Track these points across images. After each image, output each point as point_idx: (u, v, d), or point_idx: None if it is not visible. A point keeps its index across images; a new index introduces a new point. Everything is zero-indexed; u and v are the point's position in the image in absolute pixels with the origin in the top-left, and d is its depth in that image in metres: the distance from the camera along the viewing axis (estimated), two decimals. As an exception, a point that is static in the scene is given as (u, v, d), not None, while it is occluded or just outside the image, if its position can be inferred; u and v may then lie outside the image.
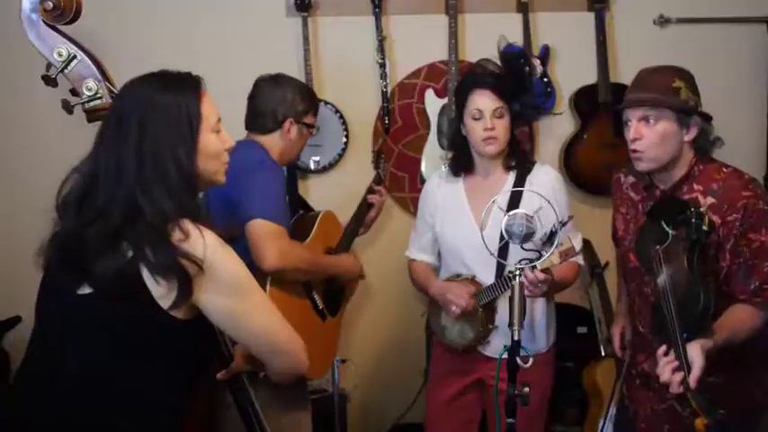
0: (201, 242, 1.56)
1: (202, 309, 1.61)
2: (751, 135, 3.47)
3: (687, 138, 2.17)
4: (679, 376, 1.85)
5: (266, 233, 2.28)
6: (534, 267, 2.26)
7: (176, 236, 1.55)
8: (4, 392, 1.73)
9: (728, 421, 2.09)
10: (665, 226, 2.06)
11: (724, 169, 2.19)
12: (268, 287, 2.32)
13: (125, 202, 1.56)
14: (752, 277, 2.09)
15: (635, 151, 2.19)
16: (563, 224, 2.26)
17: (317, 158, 3.37)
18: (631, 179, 2.37)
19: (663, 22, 3.43)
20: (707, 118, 2.20)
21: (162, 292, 1.55)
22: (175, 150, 1.60)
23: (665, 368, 1.89)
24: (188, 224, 1.57)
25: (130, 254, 1.54)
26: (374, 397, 3.48)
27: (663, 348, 1.92)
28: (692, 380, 1.83)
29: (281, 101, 2.54)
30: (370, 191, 2.97)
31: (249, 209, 2.30)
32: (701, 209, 2.04)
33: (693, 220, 1.98)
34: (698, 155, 2.21)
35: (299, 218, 2.70)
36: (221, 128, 1.72)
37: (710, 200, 2.13)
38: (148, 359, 1.61)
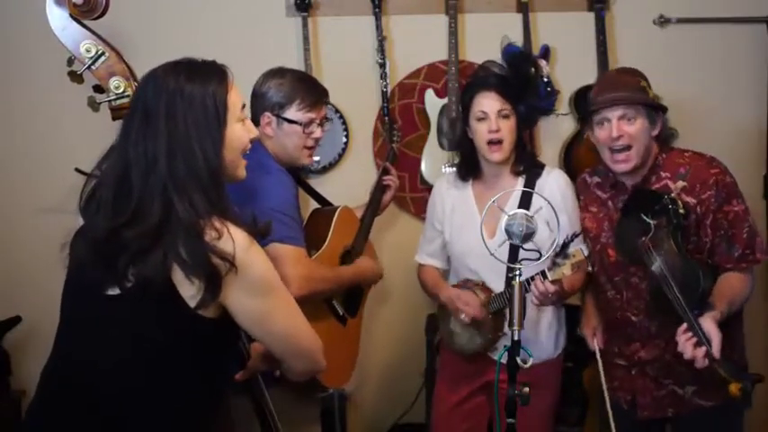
0: (231, 241, 1.54)
1: (229, 308, 1.59)
2: (751, 135, 3.47)
3: (654, 132, 2.33)
4: (702, 351, 1.99)
5: (287, 259, 2.21)
6: (546, 278, 2.28)
7: (209, 234, 1.53)
8: (41, 396, 1.70)
9: (725, 404, 2.22)
10: (645, 218, 2.20)
11: (686, 154, 2.35)
12: None
13: (160, 199, 1.54)
14: (734, 246, 2.25)
15: (618, 150, 2.29)
16: (576, 235, 2.28)
17: (317, 158, 3.36)
18: (596, 179, 2.50)
19: (663, 22, 3.42)
20: (665, 110, 2.36)
21: (192, 292, 1.54)
22: (204, 143, 1.57)
23: (686, 345, 2.02)
24: (217, 222, 1.55)
25: (162, 254, 1.51)
26: (374, 397, 3.48)
27: (684, 327, 2.04)
28: (716, 350, 1.98)
29: (262, 93, 2.43)
30: (385, 171, 2.93)
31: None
32: (673, 194, 2.21)
33: (670, 207, 2.15)
34: (660, 145, 2.36)
35: (314, 213, 2.63)
36: (245, 116, 1.70)
37: (681, 183, 2.28)
38: (177, 359, 1.59)
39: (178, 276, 1.53)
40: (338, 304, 2.55)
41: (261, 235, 1.66)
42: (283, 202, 2.29)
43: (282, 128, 2.42)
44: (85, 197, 1.63)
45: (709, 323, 2.01)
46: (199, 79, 1.62)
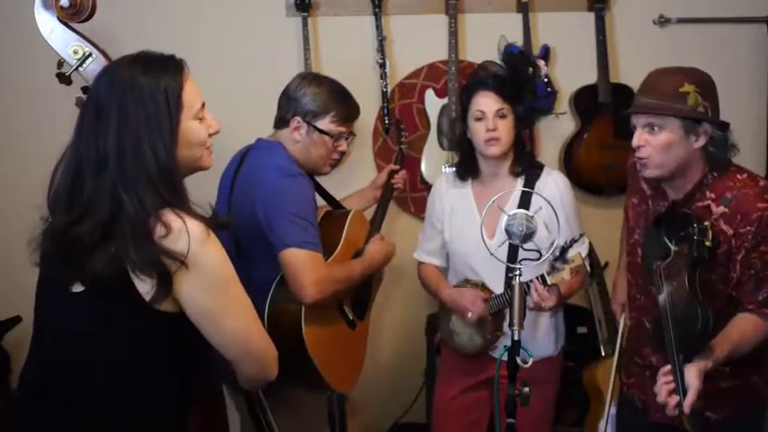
0: (185, 234, 1.52)
1: (182, 302, 1.57)
2: (751, 135, 3.47)
3: (696, 145, 2.08)
4: (674, 400, 1.87)
5: (306, 264, 2.24)
6: (545, 283, 2.28)
7: (158, 231, 1.51)
8: (21, 394, 1.74)
9: (737, 417, 2.16)
10: (667, 241, 2.04)
11: (739, 176, 2.12)
12: (303, 311, 2.31)
13: (109, 195, 1.52)
14: (762, 289, 2.06)
15: (640, 158, 2.13)
16: (574, 240, 2.27)
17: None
18: None
19: (663, 22, 3.42)
20: (722, 125, 2.09)
21: (147, 288, 1.53)
22: (154, 140, 1.55)
23: (662, 390, 1.91)
24: (170, 215, 1.53)
25: (112, 250, 1.51)
26: (374, 397, 3.48)
27: (667, 368, 1.92)
28: (687, 405, 1.85)
29: (296, 97, 2.44)
30: (392, 174, 2.92)
31: (282, 235, 2.25)
32: (706, 223, 2.01)
33: (696, 237, 1.96)
34: (711, 162, 2.11)
35: (326, 216, 2.64)
36: (205, 114, 1.66)
37: (723, 209, 2.08)
38: (143, 356, 1.60)
39: (131, 272, 1.52)
40: (348, 309, 2.56)
41: (219, 227, 1.64)
42: (303, 206, 2.32)
43: (312, 136, 2.44)
44: (52, 193, 1.63)
45: (692, 374, 1.87)
46: (152, 73, 1.58)
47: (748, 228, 2.03)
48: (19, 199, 3.25)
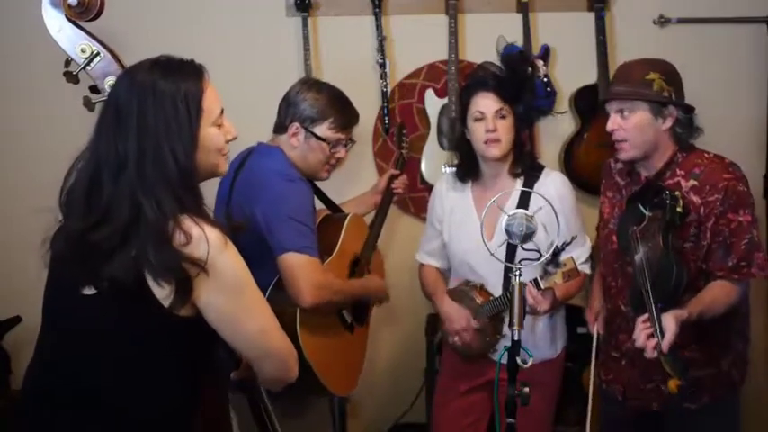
0: (205, 242, 1.53)
1: (201, 308, 1.58)
2: (751, 135, 3.47)
3: (664, 127, 2.29)
4: (653, 342, 2.01)
5: (303, 269, 2.25)
6: (539, 287, 2.28)
7: (178, 239, 1.51)
8: (24, 395, 1.73)
9: (713, 404, 2.30)
10: (641, 208, 2.23)
11: (705, 155, 2.33)
12: (297, 314, 2.31)
13: (129, 199, 1.52)
14: (730, 255, 2.22)
15: (616, 141, 2.32)
16: (567, 244, 2.27)
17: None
18: (620, 165, 2.50)
19: (663, 22, 3.42)
20: (686, 109, 2.31)
21: (165, 293, 1.53)
22: (174, 146, 1.55)
23: (641, 334, 2.05)
24: (188, 222, 1.53)
25: (132, 255, 1.51)
26: (374, 397, 3.48)
27: (645, 316, 2.06)
28: (665, 344, 2.00)
29: (296, 102, 2.45)
30: (392, 178, 2.93)
31: (281, 239, 2.26)
32: (677, 192, 2.20)
33: (668, 202, 2.16)
34: (679, 143, 2.32)
35: (324, 219, 2.64)
36: (224, 120, 1.67)
37: (692, 182, 2.27)
38: (154, 358, 1.59)
39: (150, 278, 1.52)
40: (347, 313, 2.56)
41: (235, 232, 1.64)
42: (302, 211, 2.32)
43: (309, 142, 2.45)
44: (65, 194, 1.62)
45: (669, 319, 2.02)
46: (172, 78, 1.58)
47: (716, 196, 2.22)
48: (19, 200, 3.26)
